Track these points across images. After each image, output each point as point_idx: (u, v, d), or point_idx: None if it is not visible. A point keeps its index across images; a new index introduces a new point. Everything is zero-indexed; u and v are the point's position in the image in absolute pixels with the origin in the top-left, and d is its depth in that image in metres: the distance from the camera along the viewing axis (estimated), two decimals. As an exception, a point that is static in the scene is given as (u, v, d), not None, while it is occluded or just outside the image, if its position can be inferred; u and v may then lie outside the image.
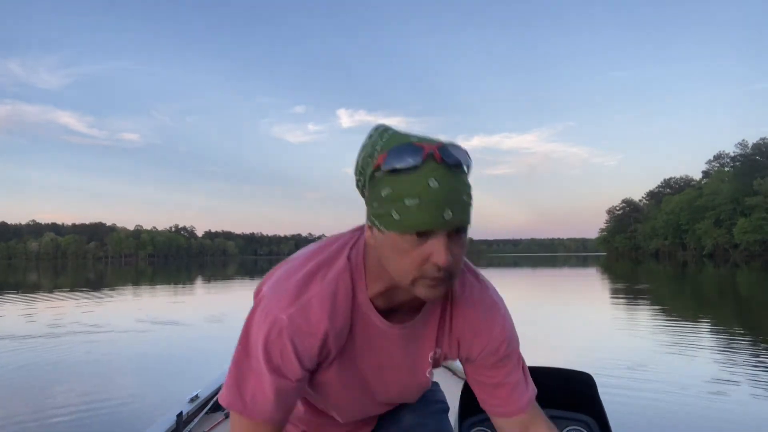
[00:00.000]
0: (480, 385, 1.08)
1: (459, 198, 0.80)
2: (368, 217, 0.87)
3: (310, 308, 0.90)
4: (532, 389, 1.09)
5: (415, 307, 0.98)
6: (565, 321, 10.78)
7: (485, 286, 1.05)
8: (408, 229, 0.79)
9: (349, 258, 0.95)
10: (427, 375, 1.07)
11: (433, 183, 0.78)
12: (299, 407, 1.22)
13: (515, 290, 18.31)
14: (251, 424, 0.94)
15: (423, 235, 0.80)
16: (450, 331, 1.02)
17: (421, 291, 0.84)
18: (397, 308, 0.97)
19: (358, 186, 0.91)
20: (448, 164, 0.80)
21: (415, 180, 0.78)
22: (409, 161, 0.79)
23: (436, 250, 0.79)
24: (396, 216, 0.80)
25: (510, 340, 1.05)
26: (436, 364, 1.07)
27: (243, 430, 0.95)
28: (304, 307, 0.90)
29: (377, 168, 0.83)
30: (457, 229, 0.81)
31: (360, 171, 0.88)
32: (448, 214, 0.78)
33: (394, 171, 0.80)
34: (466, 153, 0.83)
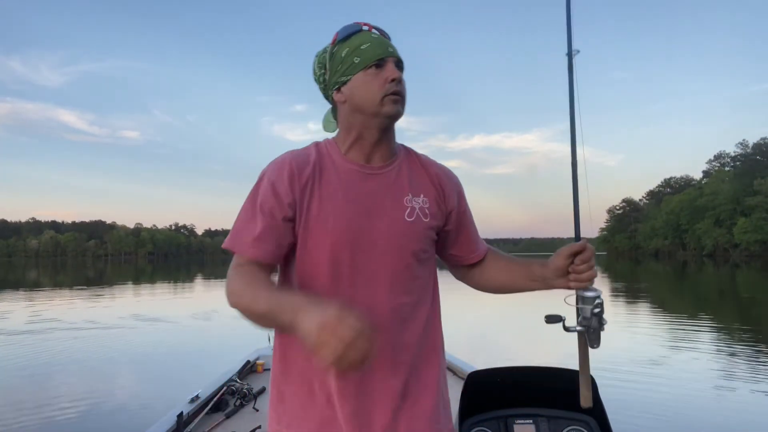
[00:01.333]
0: (461, 242, 1.36)
1: (392, 44, 1.23)
2: (334, 86, 1.23)
3: (285, 156, 1.23)
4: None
5: (387, 157, 1.26)
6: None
7: None
8: (369, 61, 1.18)
9: (318, 142, 1.29)
10: (407, 219, 1.24)
11: (374, 34, 1.22)
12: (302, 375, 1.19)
13: (515, 290, 18.22)
14: (237, 257, 1.17)
15: (380, 65, 1.18)
16: (431, 180, 1.30)
17: (388, 108, 1.18)
18: (372, 160, 1.25)
19: (321, 89, 1.27)
20: (379, 30, 1.25)
21: (362, 36, 1.21)
22: (354, 27, 1.22)
23: (390, 70, 1.18)
24: (357, 60, 1.18)
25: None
26: (425, 213, 1.26)
27: (233, 263, 1.18)
28: (282, 157, 1.23)
29: (334, 44, 1.22)
30: (399, 65, 1.21)
31: (320, 68, 1.25)
32: (391, 48, 1.21)
33: (346, 37, 1.21)
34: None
